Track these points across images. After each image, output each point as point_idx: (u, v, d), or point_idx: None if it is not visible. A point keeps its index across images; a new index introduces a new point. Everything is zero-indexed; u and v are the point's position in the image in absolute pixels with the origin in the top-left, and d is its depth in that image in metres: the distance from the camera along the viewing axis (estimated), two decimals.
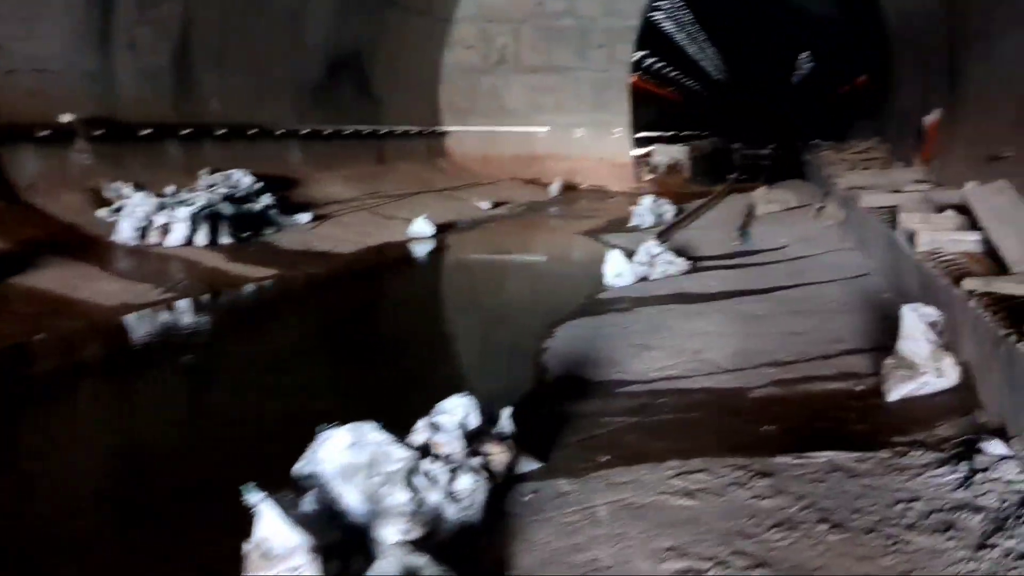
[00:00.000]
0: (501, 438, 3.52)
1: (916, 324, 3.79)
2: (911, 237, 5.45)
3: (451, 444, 3.30)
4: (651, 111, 30.67)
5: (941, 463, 2.97)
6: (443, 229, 13.28)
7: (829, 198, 11.35)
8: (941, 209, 6.00)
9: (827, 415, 3.88)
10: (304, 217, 12.02)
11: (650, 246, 8.82)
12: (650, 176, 22.04)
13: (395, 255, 11.22)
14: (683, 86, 39.70)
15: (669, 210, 13.96)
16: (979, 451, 2.82)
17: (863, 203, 7.84)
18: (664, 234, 11.25)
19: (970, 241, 5.01)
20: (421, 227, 12.29)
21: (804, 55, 42.33)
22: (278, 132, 14.42)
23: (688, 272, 8.56)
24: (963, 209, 5.75)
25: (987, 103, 9.13)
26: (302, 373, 5.83)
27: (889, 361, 3.93)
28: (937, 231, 5.18)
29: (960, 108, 10.39)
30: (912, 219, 5.70)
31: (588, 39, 21.06)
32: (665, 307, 6.96)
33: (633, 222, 13.66)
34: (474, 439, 3.43)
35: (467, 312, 8.45)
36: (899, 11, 15.31)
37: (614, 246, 11.77)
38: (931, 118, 11.61)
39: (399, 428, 3.32)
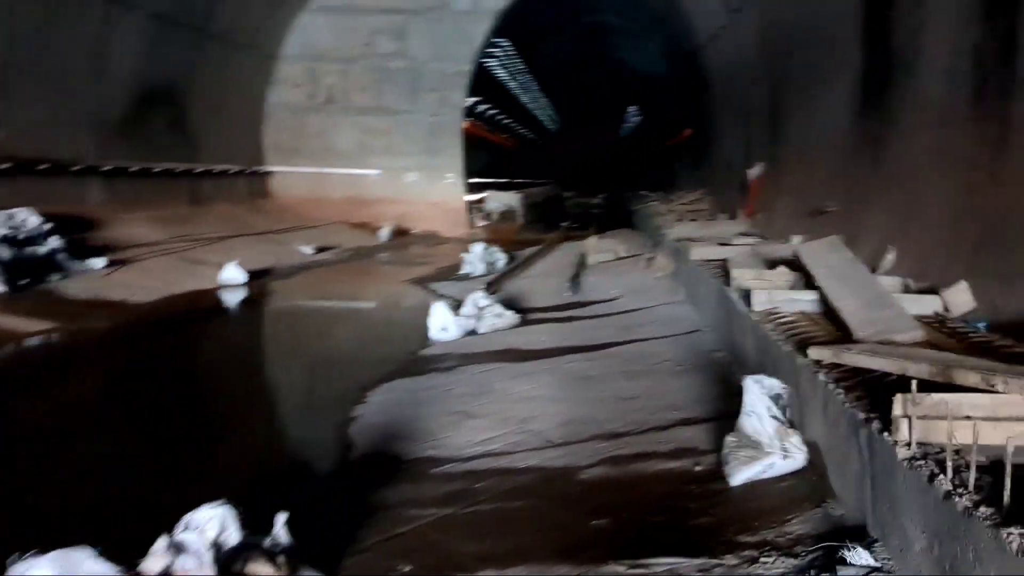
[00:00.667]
0: (273, 554, 2.78)
1: (760, 398, 3.38)
2: (746, 295, 5.15)
3: (199, 570, 2.54)
4: (485, 157, 30.61)
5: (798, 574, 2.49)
6: (259, 275, 12.28)
7: (659, 249, 11.27)
8: (773, 264, 5.77)
9: (665, 504, 3.38)
10: (99, 262, 10.73)
11: (478, 297, 8.28)
12: (483, 222, 21.74)
13: (201, 305, 10.14)
14: (517, 133, 40.13)
15: (501, 258, 13.57)
16: (842, 561, 2.38)
17: (693, 255, 7.64)
18: (493, 284, 10.78)
19: (807, 301, 4.75)
20: (232, 274, 11.28)
21: (632, 108, 43.91)
22: (75, 168, 13.00)
23: (518, 326, 8.07)
24: (794, 264, 5.53)
25: (808, 157, 9.26)
26: (33, 460, 4.63)
27: (731, 439, 3.50)
28: (773, 289, 4.89)
29: (782, 161, 10.57)
30: (745, 275, 5.42)
31: (420, 82, 20.63)
32: (491, 366, 6.40)
33: (464, 270, 13.16)
34: (236, 559, 2.68)
35: (270, 373, 7.57)
36: (720, 66, 15.78)
37: (442, 295, 11.24)
38: (755, 172, 11.81)
39: (139, 546, 2.55)
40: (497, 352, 7.01)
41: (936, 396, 2.47)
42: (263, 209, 19.38)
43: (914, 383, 2.48)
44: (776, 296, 4.85)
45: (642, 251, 13.48)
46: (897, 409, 2.48)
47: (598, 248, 13.78)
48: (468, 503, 3.66)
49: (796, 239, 7.87)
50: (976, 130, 5.22)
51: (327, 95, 20.73)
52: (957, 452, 2.24)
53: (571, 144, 55.23)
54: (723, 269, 6.85)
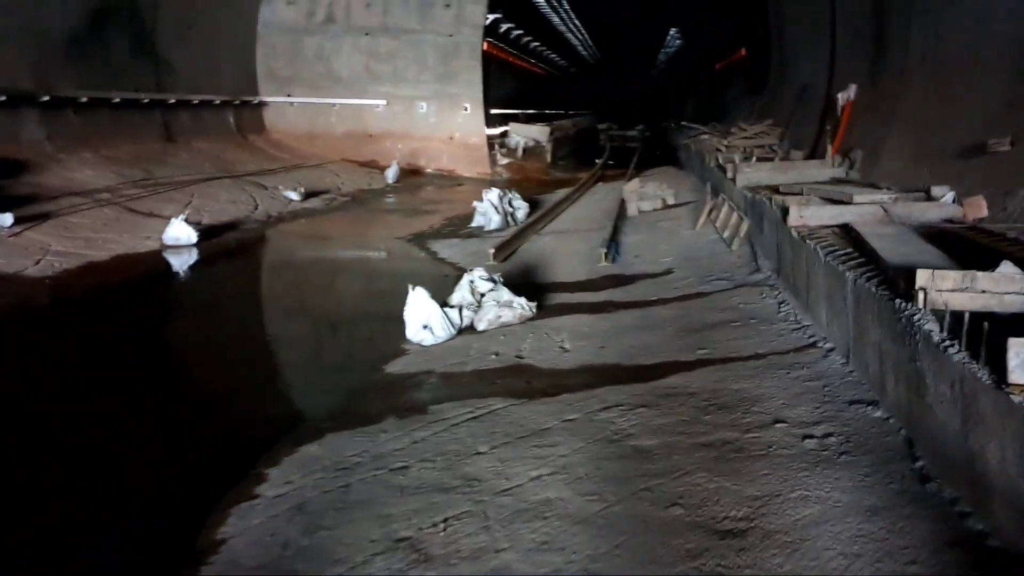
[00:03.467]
0: None
1: None
2: (955, 327, 2.67)
3: None
4: (508, 85, 27.73)
5: None
6: (220, 231, 9.93)
7: (721, 197, 8.69)
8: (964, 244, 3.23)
9: None
10: (5, 218, 8.40)
11: (476, 278, 5.83)
12: (506, 160, 19.11)
13: (123, 277, 7.78)
14: (545, 58, 36.96)
15: (521, 206, 11.07)
16: None
17: (793, 219, 5.09)
18: (503, 248, 8.29)
19: None
20: (178, 232, 8.93)
21: (673, 30, 40.37)
22: (1, 98, 10.60)
23: (532, 319, 5.64)
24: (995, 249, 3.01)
25: (947, 75, 6.57)
26: None
27: None
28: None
29: (894, 81, 7.87)
30: (941, 281, 2.90)
31: None
32: (483, 406, 4.00)
33: (476, 222, 10.71)
34: None
35: (135, 427, 4.84)
36: None
37: (441, 259, 8.85)
38: (846, 96, 9.11)
39: None
40: (497, 371, 4.61)
41: None
42: (252, 146, 16.92)
43: None
44: None
45: (694, 198, 10.90)
46: None
47: (641, 193, 11.21)
48: None
49: (940, 191, 5.30)
50: None
51: (327, 13, 18.06)
52: None
53: (605, 71, 51.80)
54: (853, 246, 4.32)
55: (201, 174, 13.21)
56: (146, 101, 13.83)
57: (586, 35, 40.78)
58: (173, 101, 14.62)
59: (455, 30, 17.95)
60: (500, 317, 5.58)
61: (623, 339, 5.00)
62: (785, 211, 5.42)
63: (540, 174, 18.13)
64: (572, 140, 23.99)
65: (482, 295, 5.72)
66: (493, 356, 4.90)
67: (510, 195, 11.10)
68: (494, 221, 10.53)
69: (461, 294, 5.70)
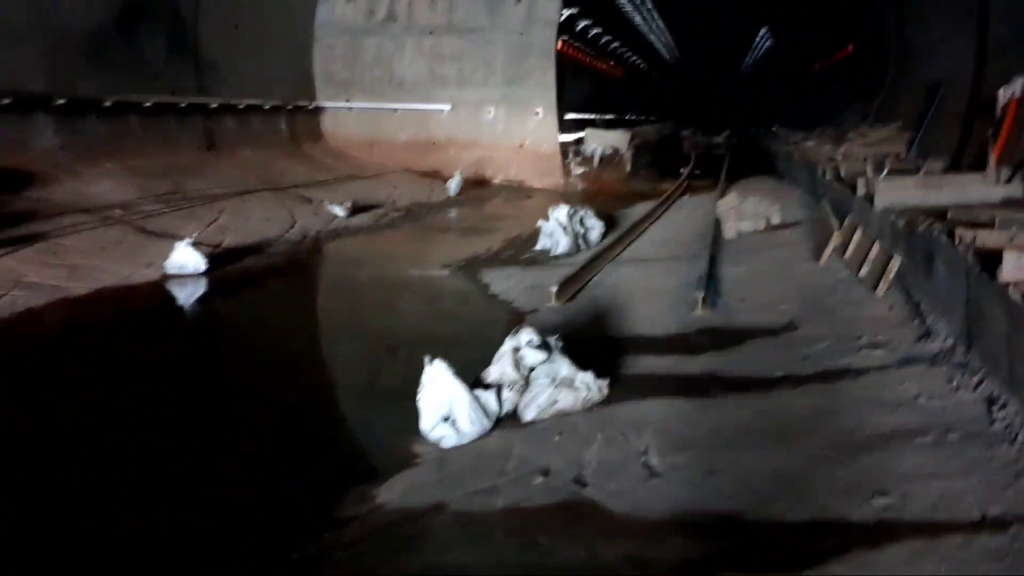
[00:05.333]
0: None
1: None
2: None
3: None
4: (584, 88, 25.91)
5: None
6: (238, 256, 8.47)
7: (850, 224, 6.81)
8: None
9: None
10: None
11: (524, 343, 4.13)
12: (581, 169, 17.35)
13: (97, 316, 6.31)
14: (624, 59, 34.98)
15: (595, 226, 9.35)
16: None
17: (1015, 271, 3.26)
18: (569, 285, 6.56)
19: None
20: (184, 258, 7.49)
21: (763, 31, 37.94)
22: (5, 101, 9.38)
23: (600, 404, 3.92)
24: None
25: None
26: None
27: None
28: None
29: None
30: None
31: None
32: None
33: (540, 245, 9.03)
34: None
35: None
36: None
37: (494, 294, 7.18)
38: (1010, 92, 7.13)
39: None
40: (544, 515, 2.93)
41: None
42: (306, 155, 15.58)
43: None
44: None
45: (804, 215, 9.01)
46: None
47: (739, 211, 9.37)
48: None
49: None
50: None
51: (388, 11, 16.66)
52: None
53: (689, 74, 49.53)
54: None
55: (241, 187, 11.87)
56: (184, 106, 12.58)
57: (668, 35, 38.70)
58: (215, 106, 13.37)
59: (526, 28, 16.32)
60: (556, 403, 3.88)
61: (742, 457, 3.23)
62: (984, 255, 3.59)
63: (619, 185, 16.33)
64: (654, 148, 22.07)
65: (531, 369, 4.03)
66: (540, 478, 3.21)
67: (581, 212, 9.38)
68: (562, 244, 8.84)
69: (501, 368, 4.02)
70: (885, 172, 7.98)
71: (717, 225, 9.22)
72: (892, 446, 3.12)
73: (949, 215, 4.89)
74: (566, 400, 3.90)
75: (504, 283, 7.31)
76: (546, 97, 16.50)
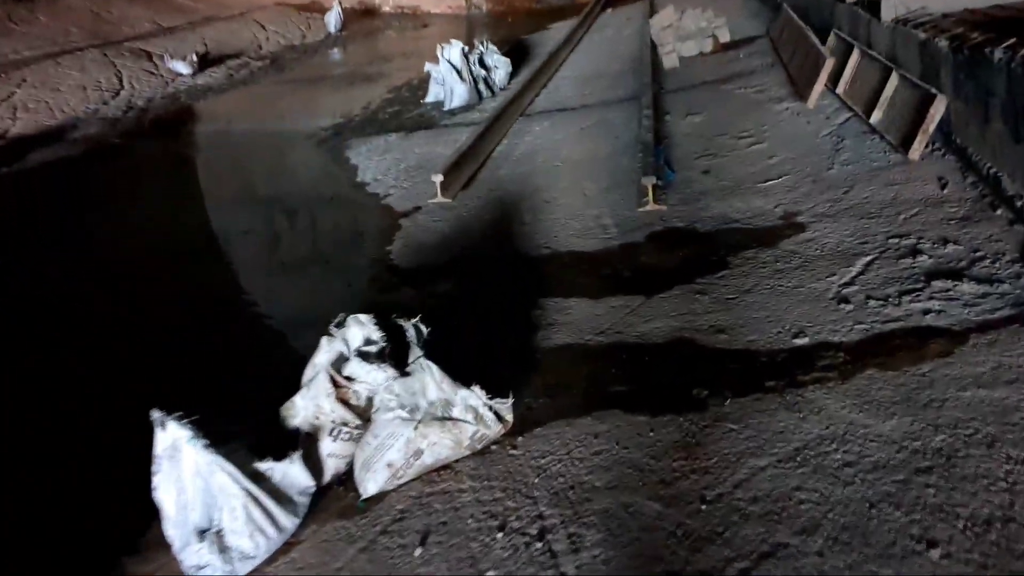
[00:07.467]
0: None
1: None
2: None
3: None
4: None
5: None
6: (25, 150, 6.26)
7: (847, 46, 4.94)
8: None
9: None
10: None
11: (355, 355, 2.30)
12: None
13: None
14: None
15: (500, 64, 7.33)
16: None
17: None
18: (460, 166, 4.62)
19: None
20: None
21: None
22: None
23: (504, 438, 2.17)
24: None
25: None
26: None
27: None
28: None
29: None
30: None
31: None
32: None
33: (431, 96, 7.02)
34: None
35: None
36: None
37: (361, 181, 5.20)
38: None
39: None
40: None
41: None
42: None
43: None
44: None
45: (760, 30, 7.09)
46: None
47: (679, 29, 7.35)
48: None
49: None
50: None
51: None
52: None
53: None
54: None
55: (61, 46, 9.37)
56: None
57: None
58: None
59: None
60: (420, 455, 2.12)
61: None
62: None
63: (529, 2, 13.97)
64: None
65: (371, 396, 2.23)
66: None
67: (481, 48, 7.31)
68: (457, 93, 6.83)
69: (315, 400, 2.19)
70: None
71: (653, 49, 7.25)
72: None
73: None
74: (440, 446, 2.14)
75: (377, 164, 5.35)
76: None
